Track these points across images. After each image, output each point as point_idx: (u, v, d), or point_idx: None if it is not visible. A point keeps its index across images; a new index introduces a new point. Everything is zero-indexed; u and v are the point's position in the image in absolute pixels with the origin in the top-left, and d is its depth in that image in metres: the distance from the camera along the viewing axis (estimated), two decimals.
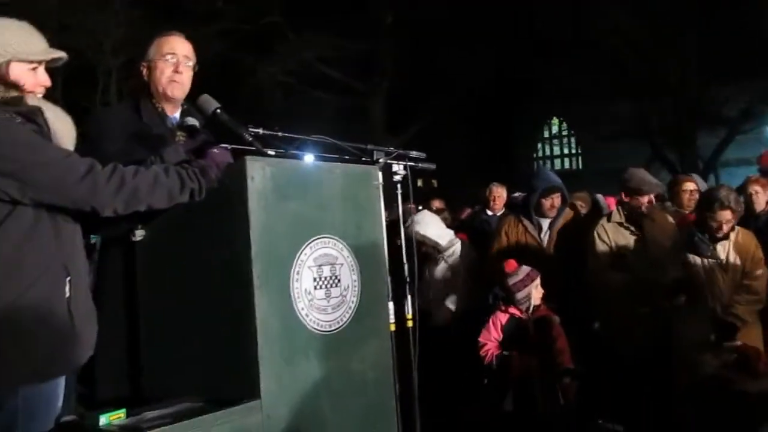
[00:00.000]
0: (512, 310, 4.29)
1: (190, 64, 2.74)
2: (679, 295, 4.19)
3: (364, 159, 2.66)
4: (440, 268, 5.17)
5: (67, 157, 2.06)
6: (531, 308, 4.27)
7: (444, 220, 6.05)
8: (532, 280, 4.24)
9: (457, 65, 20.92)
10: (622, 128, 23.02)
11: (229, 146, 2.35)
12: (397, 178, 2.79)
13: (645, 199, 4.37)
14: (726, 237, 4.10)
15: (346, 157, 2.64)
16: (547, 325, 4.22)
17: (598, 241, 4.38)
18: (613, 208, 4.77)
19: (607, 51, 19.17)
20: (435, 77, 21.13)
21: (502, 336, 4.28)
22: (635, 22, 17.68)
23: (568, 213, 4.90)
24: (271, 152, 2.29)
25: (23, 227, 2.00)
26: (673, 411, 4.10)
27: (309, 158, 2.48)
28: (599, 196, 6.01)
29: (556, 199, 4.74)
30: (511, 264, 4.32)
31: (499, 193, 7.20)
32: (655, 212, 4.51)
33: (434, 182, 36.52)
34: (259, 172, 2.13)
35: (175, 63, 2.69)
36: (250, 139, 2.28)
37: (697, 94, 20.57)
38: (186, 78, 2.72)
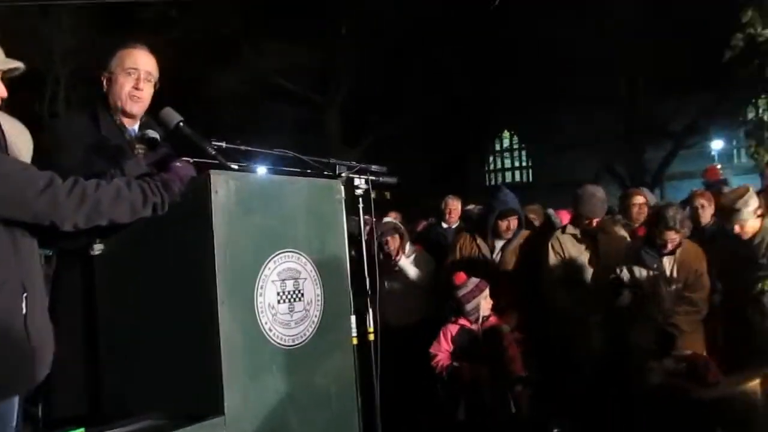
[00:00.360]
0: (462, 321, 4.39)
1: (152, 80, 2.71)
2: (623, 294, 4.33)
3: (326, 173, 2.67)
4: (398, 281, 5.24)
5: (26, 170, 2.01)
6: (480, 319, 4.36)
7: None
8: (481, 291, 4.36)
9: (412, 78, 21.13)
10: (570, 141, 23.57)
11: (191, 159, 2.33)
12: (358, 192, 2.81)
13: (596, 221, 4.51)
14: (672, 252, 4.24)
15: (309, 171, 2.65)
16: (497, 335, 4.31)
17: (551, 253, 4.49)
18: (566, 221, 4.88)
19: (556, 63, 19.58)
20: (390, 90, 21.26)
21: (452, 347, 4.38)
22: (583, 35, 18.10)
23: (523, 234, 4.96)
24: (235, 166, 2.28)
25: None
26: (627, 417, 4.21)
27: (264, 172, 2.47)
28: (551, 211, 6.13)
29: (513, 222, 4.80)
30: (460, 276, 4.44)
31: (455, 206, 7.29)
32: (608, 225, 4.64)
33: (387, 194, 36.69)
34: (223, 186, 2.12)
35: (136, 78, 2.66)
36: (213, 152, 2.27)
37: (644, 107, 21.22)
38: (146, 94, 2.69)
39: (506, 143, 34.54)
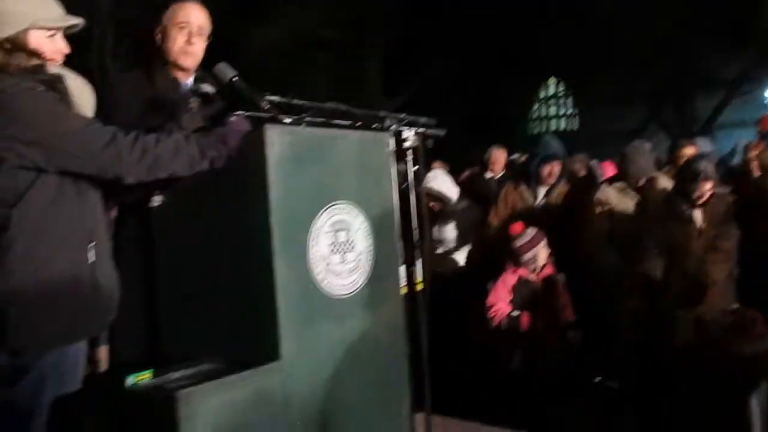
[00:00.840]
0: (520, 271, 4.42)
1: (204, 33, 2.75)
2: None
3: (375, 126, 2.69)
4: (450, 225, 5.30)
5: (90, 125, 2.09)
6: (538, 269, 4.37)
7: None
8: (539, 241, 4.37)
9: (452, 26, 20.74)
10: (619, 89, 22.95)
11: (246, 113, 2.38)
12: (407, 144, 2.83)
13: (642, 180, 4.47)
14: (704, 204, 4.20)
15: (358, 124, 2.67)
16: (553, 284, 4.39)
17: (596, 206, 4.45)
18: (610, 173, 4.82)
19: (603, 13, 18.98)
20: (431, 39, 20.94)
21: (511, 296, 4.45)
22: None
23: (563, 185, 4.92)
24: (288, 120, 2.32)
25: (48, 195, 2.04)
26: (667, 370, 4.24)
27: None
28: (594, 162, 6.07)
29: (555, 167, 4.78)
30: (516, 227, 4.45)
31: (498, 157, 7.26)
32: (655, 181, 4.58)
33: (429, 143, 36.47)
34: (278, 140, 2.17)
35: (188, 32, 2.69)
36: (267, 106, 2.31)
37: (695, 55, 20.48)
38: (198, 48, 2.74)
39: (551, 91, 33.82)
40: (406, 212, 2.90)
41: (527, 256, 4.39)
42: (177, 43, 2.69)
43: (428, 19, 20.61)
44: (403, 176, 2.94)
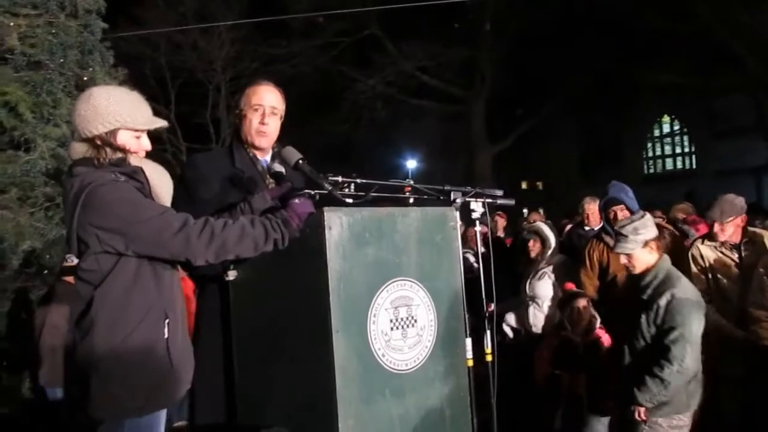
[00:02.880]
0: (564, 333, 4.44)
1: (277, 113, 2.92)
2: None
3: (441, 198, 2.73)
4: (543, 281, 5.23)
5: (164, 213, 2.28)
6: (582, 331, 4.37)
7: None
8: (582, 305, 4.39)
9: (559, 66, 20.53)
10: (739, 125, 21.83)
11: (312, 192, 2.50)
12: (475, 215, 2.85)
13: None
14: None
15: (425, 197, 2.73)
16: (597, 347, 4.29)
17: (692, 265, 4.24)
18: (702, 231, 4.59)
19: (718, 43, 18.18)
20: (536, 80, 20.84)
21: (554, 355, 4.45)
22: (745, 13, 16.66)
23: None
24: (349, 200, 2.42)
25: (128, 276, 2.24)
26: None
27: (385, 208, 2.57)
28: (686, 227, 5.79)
29: (620, 212, 4.59)
30: (567, 286, 4.55)
31: (592, 209, 7.05)
32: (756, 234, 4.31)
33: (539, 185, 36.00)
34: (336, 222, 2.27)
35: (261, 114, 2.87)
36: (330, 188, 2.42)
37: None
38: (272, 128, 2.91)
39: (666, 128, 32.64)
40: (475, 283, 2.92)
41: (569, 316, 4.40)
42: (252, 124, 2.88)
43: (534, 61, 20.53)
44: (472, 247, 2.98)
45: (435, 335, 2.53)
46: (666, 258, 3.57)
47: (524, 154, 27.07)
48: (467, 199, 2.82)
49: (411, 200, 2.70)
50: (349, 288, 2.28)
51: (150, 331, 2.27)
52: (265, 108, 2.89)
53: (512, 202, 3.04)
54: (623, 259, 3.58)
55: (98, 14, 6.50)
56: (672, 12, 17.19)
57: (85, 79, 6.12)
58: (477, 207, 2.85)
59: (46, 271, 5.94)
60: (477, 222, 2.88)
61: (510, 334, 5.53)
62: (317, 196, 2.49)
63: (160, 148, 18.64)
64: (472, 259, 5.52)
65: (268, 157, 3.00)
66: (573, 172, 30.25)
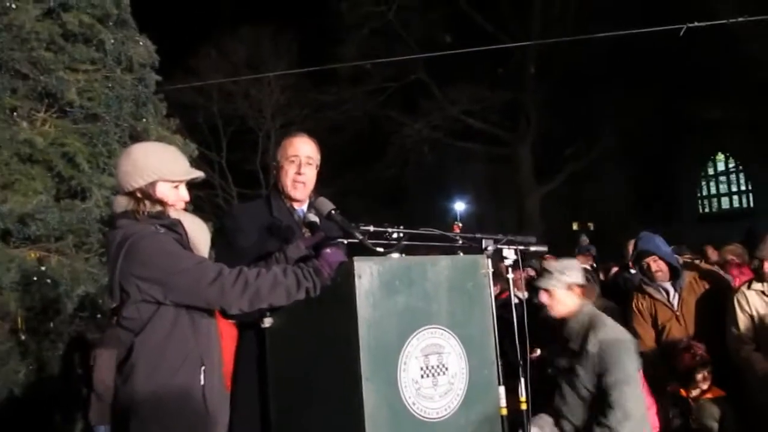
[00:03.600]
0: None
1: (313, 163, 3.03)
2: None
3: (473, 246, 2.77)
4: None
5: (200, 263, 2.38)
6: None
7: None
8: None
9: (606, 105, 20.42)
10: None
11: (345, 241, 2.58)
12: (507, 262, 2.87)
13: None
14: None
15: (457, 245, 2.77)
16: None
17: (739, 311, 4.13)
18: (747, 276, 4.47)
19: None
20: (583, 120, 20.73)
21: None
22: None
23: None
24: (380, 249, 2.48)
25: (166, 324, 2.34)
26: None
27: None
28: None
29: (653, 264, 4.51)
30: None
31: None
32: None
33: (590, 225, 35.45)
34: (366, 271, 2.31)
35: (298, 164, 2.98)
36: (361, 237, 2.49)
37: None
38: (308, 178, 3.01)
39: (720, 166, 31.89)
40: (509, 330, 2.92)
41: None
42: (289, 174, 2.99)
43: (581, 101, 20.48)
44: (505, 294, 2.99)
45: (467, 383, 2.54)
46: (589, 305, 3.56)
47: (574, 194, 26.79)
48: (499, 246, 2.85)
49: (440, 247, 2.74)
50: (379, 336, 2.32)
51: (187, 377, 2.35)
52: (301, 158, 3.00)
53: (545, 248, 3.05)
54: (543, 296, 3.60)
55: (152, 68, 6.80)
56: (721, 47, 16.99)
57: (139, 129, 6.38)
58: (509, 254, 2.88)
59: (99, 315, 6.13)
60: (509, 269, 2.90)
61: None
62: (347, 245, 2.57)
63: (212, 193, 19.21)
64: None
65: (304, 207, 3.09)
66: (625, 212, 29.75)
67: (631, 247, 6.42)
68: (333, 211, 2.59)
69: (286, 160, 3.01)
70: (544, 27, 18.80)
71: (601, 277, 7.88)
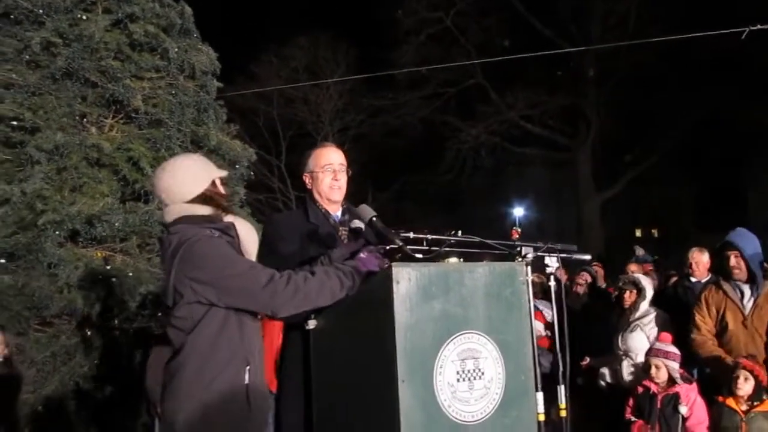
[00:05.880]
0: (646, 382, 4.53)
1: (344, 169, 3.16)
2: None
3: (511, 253, 2.81)
4: (636, 334, 5.13)
5: (253, 268, 2.51)
6: (663, 383, 4.48)
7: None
8: (671, 358, 4.45)
9: (668, 108, 19.91)
10: None
11: (386, 248, 2.67)
12: (549, 270, 2.90)
13: None
14: None
15: (496, 252, 2.82)
16: (671, 400, 4.37)
17: None
18: None
19: None
20: (644, 124, 20.27)
21: (633, 402, 4.58)
22: None
23: None
24: (419, 255, 2.56)
25: (215, 324, 2.47)
26: None
27: (454, 260, 2.68)
28: None
29: (734, 258, 4.42)
30: (662, 337, 4.60)
31: (699, 259, 6.79)
32: None
33: (654, 232, 34.55)
34: (404, 276, 2.40)
35: (333, 171, 3.12)
36: (400, 244, 2.57)
37: None
38: (343, 183, 3.16)
39: None
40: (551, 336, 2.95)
41: (651, 365, 4.46)
42: (325, 182, 3.12)
43: (642, 104, 20.02)
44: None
45: (503, 388, 2.59)
46: None
47: (636, 200, 26.22)
48: (540, 253, 2.88)
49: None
50: (415, 339, 2.39)
51: (233, 375, 2.47)
52: (335, 166, 3.14)
53: (588, 257, 3.07)
54: None
55: (213, 75, 7.05)
56: None
57: (200, 134, 6.62)
58: (551, 262, 2.91)
59: (160, 314, 6.38)
60: (552, 277, 2.93)
61: (606, 388, 5.43)
62: (386, 251, 2.66)
63: (271, 196, 19.62)
64: (547, 312, 5.47)
65: (339, 213, 3.22)
66: (690, 218, 28.94)
67: (697, 257, 6.32)
68: (374, 218, 2.69)
69: (320, 169, 3.14)
70: (604, 30, 18.50)
71: (659, 285, 7.75)
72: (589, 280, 7.31)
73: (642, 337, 5.12)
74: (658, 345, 4.59)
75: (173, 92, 6.45)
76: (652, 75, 18.75)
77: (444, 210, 24.44)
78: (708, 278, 6.54)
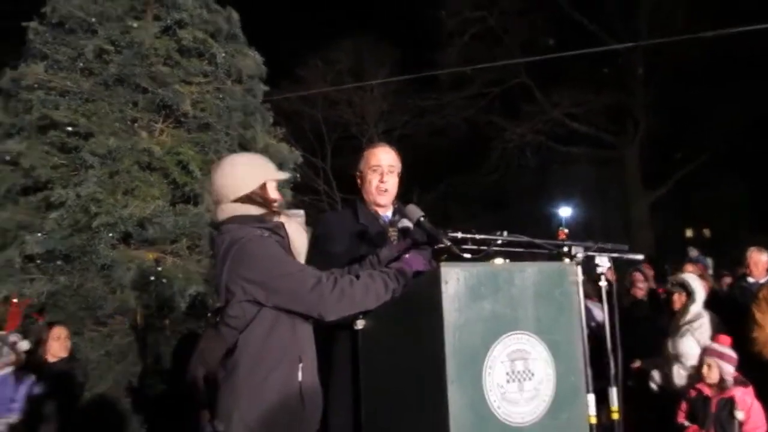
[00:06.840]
0: (699, 385, 4.46)
1: (394, 171, 3.15)
2: None
3: (560, 253, 2.76)
4: (686, 339, 5.01)
5: (302, 270, 2.54)
6: (717, 386, 4.38)
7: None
8: (726, 360, 4.36)
9: (719, 105, 19.36)
10: None
11: (431, 247, 2.67)
12: (600, 270, 2.85)
13: None
14: None
15: (544, 251, 2.78)
16: (726, 404, 4.28)
17: None
18: None
19: None
20: (694, 121, 19.77)
21: (687, 406, 4.51)
22: None
23: None
24: (467, 255, 2.54)
25: (267, 324, 2.50)
26: None
27: (499, 261, 2.65)
28: None
29: None
30: (719, 339, 4.51)
31: (758, 259, 6.60)
32: None
33: (706, 232, 33.65)
34: (452, 277, 2.39)
35: (380, 173, 3.12)
36: (449, 244, 2.56)
37: None
38: (391, 185, 3.15)
39: None
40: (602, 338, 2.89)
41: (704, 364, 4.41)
42: (373, 183, 3.12)
43: (691, 102, 19.53)
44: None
45: (554, 389, 2.56)
46: None
47: (686, 199, 25.57)
48: (591, 253, 2.83)
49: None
50: (464, 340, 2.38)
51: (286, 373, 2.50)
52: (383, 167, 3.13)
53: (641, 257, 3.01)
54: None
55: (260, 79, 7.13)
56: None
57: (247, 138, 6.71)
58: (602, 261, 2.86)
59: (209, 314, 6.48)
60: (602, 277, 2.88)
61: (657, 390, 5.32)
62: (435, 251, 2.66)
63: (317, 198, 19.79)
64: (597, 313, 5.38)
65: (389, 213, 3.22)
66: (741, 218, 28.11)
67: (752, 255, 6.15)
68: (422, 218, 2.68)
69: (369, 170, 3.15)
70: (652, 27, 18.10)
71: (714, 286, 7.56)
72: (646, 281, 7.16)
73: (692, 342, 5.00)
74: (714, 345, 4.52)
75: (221, 96, 6.55)
76: (701, 71, 18.26)
77: (489, 210, 24.25)
78: (767, 278, 6.37)
